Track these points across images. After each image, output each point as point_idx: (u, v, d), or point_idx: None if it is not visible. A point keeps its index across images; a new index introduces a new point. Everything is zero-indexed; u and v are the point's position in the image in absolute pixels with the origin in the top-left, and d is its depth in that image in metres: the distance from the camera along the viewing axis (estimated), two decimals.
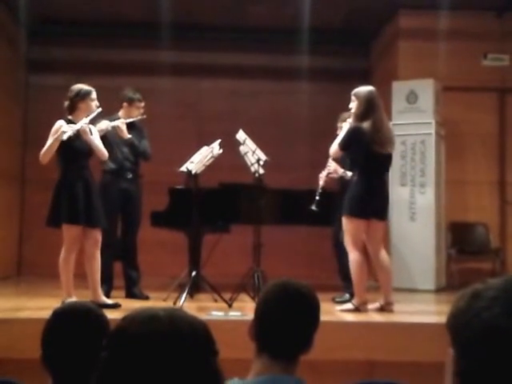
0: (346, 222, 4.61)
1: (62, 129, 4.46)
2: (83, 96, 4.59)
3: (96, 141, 4.64)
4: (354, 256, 4.56)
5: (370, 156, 4.54)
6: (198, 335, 0.90)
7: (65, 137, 4.43)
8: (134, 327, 0.88)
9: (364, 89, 4.69)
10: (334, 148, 4.82)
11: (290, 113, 7.82)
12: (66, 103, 4.63)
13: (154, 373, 0.85)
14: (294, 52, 7.36)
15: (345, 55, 7.84)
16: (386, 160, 4.69)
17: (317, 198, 5.13)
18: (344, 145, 4.69)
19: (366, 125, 4.54)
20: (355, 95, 4.66)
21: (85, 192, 4.51)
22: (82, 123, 4.53)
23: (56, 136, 4.46)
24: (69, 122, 4.56)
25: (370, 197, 4.55)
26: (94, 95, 4.64)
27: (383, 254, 4.75)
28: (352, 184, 4.64)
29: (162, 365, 0.85)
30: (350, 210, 4.57)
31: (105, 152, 4.71)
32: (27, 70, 7.77)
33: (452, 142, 6.84)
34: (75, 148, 4.52)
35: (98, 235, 4.59)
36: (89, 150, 4.63)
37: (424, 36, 6.85)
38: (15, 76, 7.45)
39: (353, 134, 4.62)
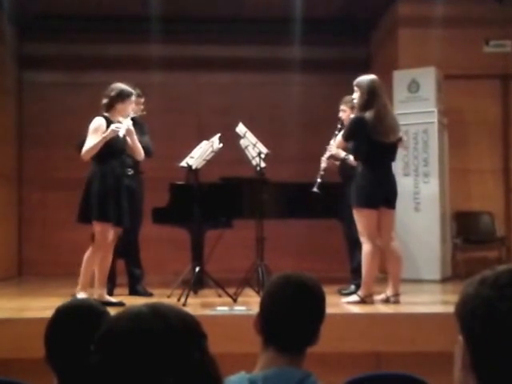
0: (356, 214, 4.59)
1: (113, 127, 4.43)
2: (124, 98, 4.58)
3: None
4: (367, 247, 4.53)
5: (372, 146, 4.51)
6: (183, 327, 0.90)
7: (121, 133, 4.43)
8: (120, 326, 0.89)
9: (365, 78, 4.64)
10: (338, 139, 4.86)
11: (290, 104, 7.76)
12: (105, 101, 4.59)
13: (145, 369, 0.85)
14: (292, 42, 7.30)
15: (344, 45, 7.77)
16: (391, 149, 4.65)
17: (318, 180, 5.11)
18: (347, 136, 4.70)
19: (368, 114, 4.51)
20: (357, 85, 4.63)
21: (116, 190, 4.49)
22: (128, 122, 4.51)
23: (107, 133, 4.41)
24: (106, 119, 4.54)
25: (375, 186, 4.52)
26: (133, 98, 4.67)
27: (396, 244, 4.71)
28: (357, 175, 4.61)
29: (152, 360, 0.85)
30: (357, 201, 4.55)
31: (142, 151, 4.72)
32: (20, 66, 7.69)
33: (455, 130, 6.77)
34: (113, 146, 4.49)
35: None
36: (122, 149, 4.61)
37: (424, 23, 6.76)
38: (8, 73, 7.37)
39: (355, 124, 4.61)
